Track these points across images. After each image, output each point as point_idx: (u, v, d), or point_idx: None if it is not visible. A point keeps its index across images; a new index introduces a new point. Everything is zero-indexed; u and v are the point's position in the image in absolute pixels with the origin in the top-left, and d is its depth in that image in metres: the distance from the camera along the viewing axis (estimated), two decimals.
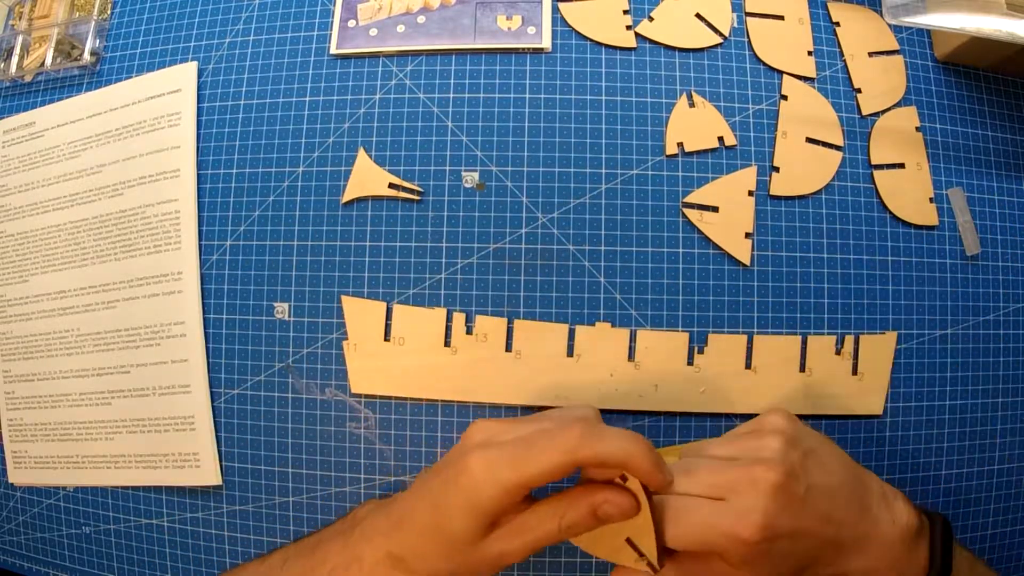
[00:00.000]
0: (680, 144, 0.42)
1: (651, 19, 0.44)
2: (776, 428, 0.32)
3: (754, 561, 0.29)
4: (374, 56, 0.44)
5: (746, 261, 0.41)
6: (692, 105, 0.43)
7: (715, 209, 0.42)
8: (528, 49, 0.43)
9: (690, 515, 0.30)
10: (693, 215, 0.42)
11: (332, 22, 0.45)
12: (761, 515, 0.29)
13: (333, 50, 0.44)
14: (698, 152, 0.42)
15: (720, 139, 0.43)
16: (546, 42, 0.43)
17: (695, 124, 0.43)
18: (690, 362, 0.41)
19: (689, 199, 0.42)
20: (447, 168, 0.43)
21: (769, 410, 0.34)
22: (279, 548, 0.40)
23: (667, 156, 0.42)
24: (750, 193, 0.42)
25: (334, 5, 0.45)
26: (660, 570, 0.30)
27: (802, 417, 0.40)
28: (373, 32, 0.44)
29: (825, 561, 0.31)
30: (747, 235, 0.42)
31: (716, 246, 0.42)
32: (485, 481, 0.28)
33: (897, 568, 0.32)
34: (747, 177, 0.42)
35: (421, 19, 0.44)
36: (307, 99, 0.44)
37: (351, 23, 0.44)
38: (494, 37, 0.43)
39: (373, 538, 0.32)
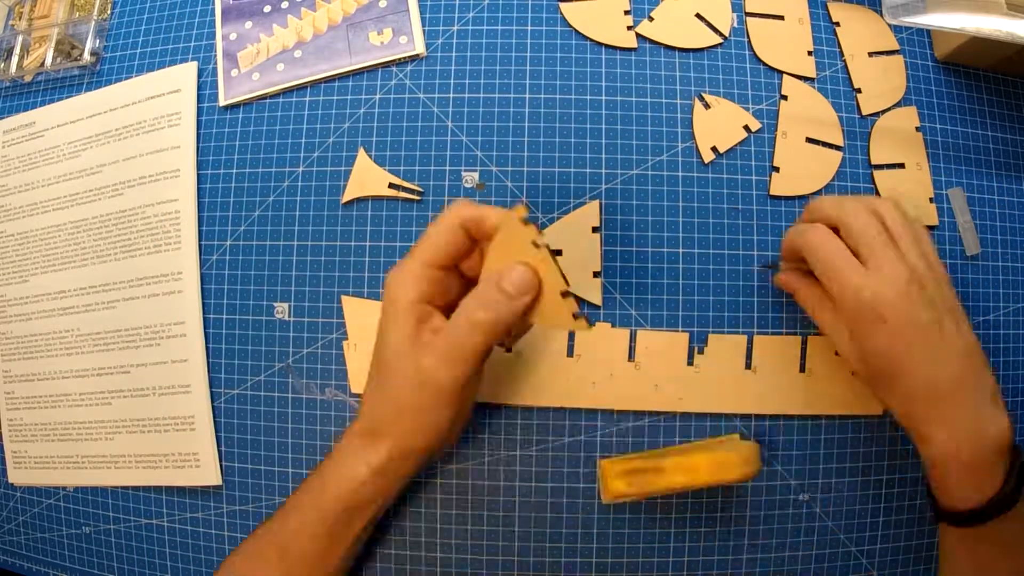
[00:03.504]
0: (714, 148, 0.42)
1: (651, 19, 0.44)
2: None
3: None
4: (260, 100, 0.44)
5: (597, 302, 0.41)
6: (707, 107, 0.43)
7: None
8: (407, 58, 0.44)
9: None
10: None
11: (218, 75, 0.45)
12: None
13: (223, 101, 0.44)
14: (727, 151, 0.42)
15: (745, 127, 0.43)
16: (419, 48, 0.44)
17: (718, 123, 0.43)
18: (690, 362, 0.41)
19: None
20: (447, 168, 0.43)
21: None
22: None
23: (708, 163, 0.42)
24: (594, 230, 0.41)
25: (215, 58, 0.45)
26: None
27: (802, 417, 0.41)
28: (256, 76, 0.44)
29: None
30: (595, 274, 0.41)
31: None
32: (400, 285, 0.33)
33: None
34: (591, 212, 0.42)
35: (298, 53, 0.44)
36: (307, 99, 0.44)
37: (234, 72, 0.45)
38: (369, 54, 0.44)
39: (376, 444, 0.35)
